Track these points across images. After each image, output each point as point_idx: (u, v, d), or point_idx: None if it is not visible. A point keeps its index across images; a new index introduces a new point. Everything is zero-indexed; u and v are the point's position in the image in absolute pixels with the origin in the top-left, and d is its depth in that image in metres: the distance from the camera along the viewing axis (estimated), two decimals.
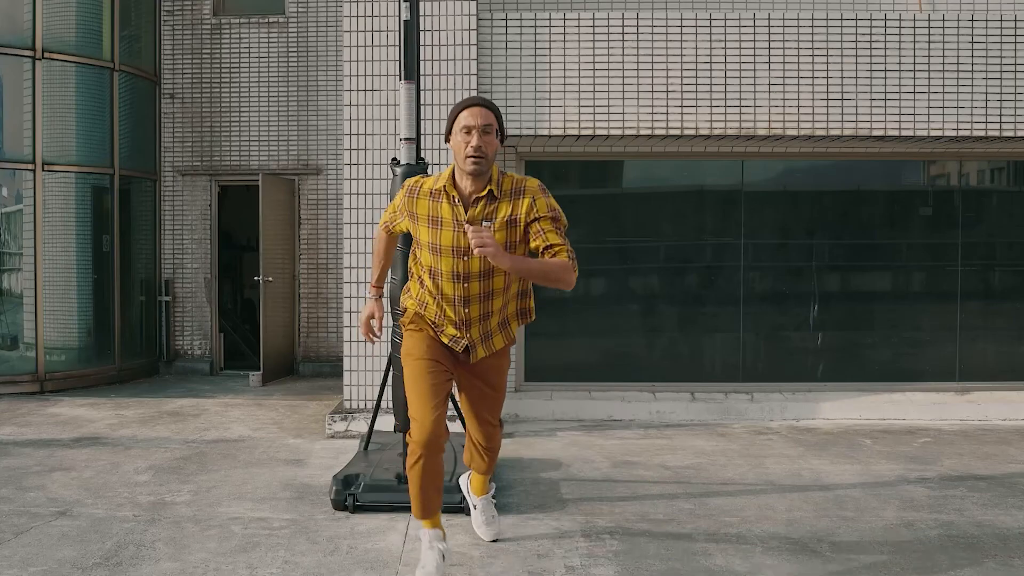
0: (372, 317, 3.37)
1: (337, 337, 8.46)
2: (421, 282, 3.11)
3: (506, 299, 3.10)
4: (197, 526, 3.83)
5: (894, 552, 3.52)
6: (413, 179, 3.12)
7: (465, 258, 2.95)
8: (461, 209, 2.95)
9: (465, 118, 2.90)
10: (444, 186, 2.96)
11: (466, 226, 2.85)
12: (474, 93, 5.84)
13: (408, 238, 3.32)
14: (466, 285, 3.01)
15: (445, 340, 3.12)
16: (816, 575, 3.29)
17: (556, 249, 2.91)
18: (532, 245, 2.95)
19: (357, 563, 3.39)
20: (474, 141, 2.86)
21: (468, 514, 3.81)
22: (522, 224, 2.94)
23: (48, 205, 7.44)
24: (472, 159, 2.87)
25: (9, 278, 7.46)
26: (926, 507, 4.13)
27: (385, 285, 3.56)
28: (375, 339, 3.35)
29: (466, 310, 3.05)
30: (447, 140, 3.00)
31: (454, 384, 3.25)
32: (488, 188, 2.94)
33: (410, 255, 3.20)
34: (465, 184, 2.96)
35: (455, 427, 5.36)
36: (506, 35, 5.98)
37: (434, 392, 3.01)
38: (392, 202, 3.22)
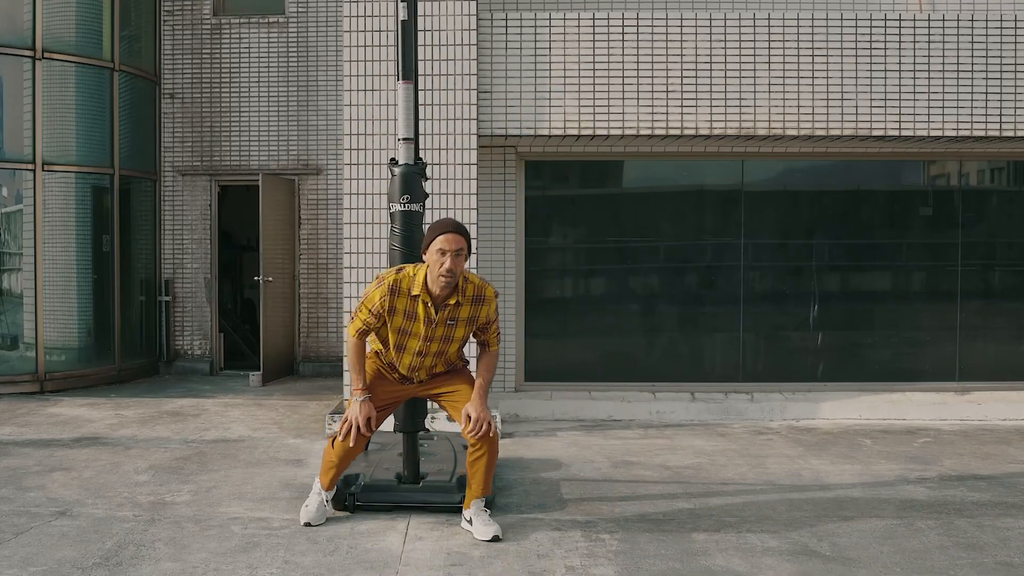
0: (369, 419, 3.73)
1: (337, 337, 8.46)
2: (380, 352, 3.83)
3: (447, 361, 3.85)
4: (197, 526, 3.83)
5: (894, 552, 3.52)
6: (390, 275, 3.65)
7: (428, 342, 3.68)
8: (432, 310, 3.63)
9: (440, 242, 3.51)
10: (420, 294, 3.60)
11: (469, 435, 3.65)
12: (474, 93, 5.84)
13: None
14: (423, 357, 3.75)
15: (396, 377, 3.85)
16: (816, 575, 3.29)
17: (490, 339, 3.81)
18: (479, 337, 3.79)
19: (357, 563, 3.39)
20: (447, 264, 3.50)
21: (463, 516, 3.82)
22: (480, 322, 3.73)
23: (48, 205, 7.44)
24: (444, 278, 3.53)
25: (9, 278, 7.46)
26: (926, 507, 4.13)
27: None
28: (369, 436, 3.80)
29: (419, 371, 3.81)
30: (423, 253, 3.62)
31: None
32: (456, 298, 3.62)
33: (371, 335, 3.78)
34: (435, 290, 3.61)
35: (456, 427, 5.37)
36: (506, 35, 5.98)
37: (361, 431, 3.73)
38: (364, 302, 3.68)
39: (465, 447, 4.60)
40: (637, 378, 6.71)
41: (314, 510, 3.86)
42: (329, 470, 3.85)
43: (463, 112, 5.85)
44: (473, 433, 3.61)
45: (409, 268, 3.68)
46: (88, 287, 7.70)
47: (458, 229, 3.55)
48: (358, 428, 3.70)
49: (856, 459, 5.10)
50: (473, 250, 3.83)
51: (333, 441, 3.79)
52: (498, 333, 3.83)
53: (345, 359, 3.81)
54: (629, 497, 4.29)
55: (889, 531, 3.78)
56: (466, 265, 3.67)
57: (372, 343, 3.85)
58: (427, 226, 3.78)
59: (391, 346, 3.72)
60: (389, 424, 5.25)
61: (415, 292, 3.59)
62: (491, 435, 3.67)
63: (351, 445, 3.72)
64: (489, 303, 3.71)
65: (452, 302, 3.62)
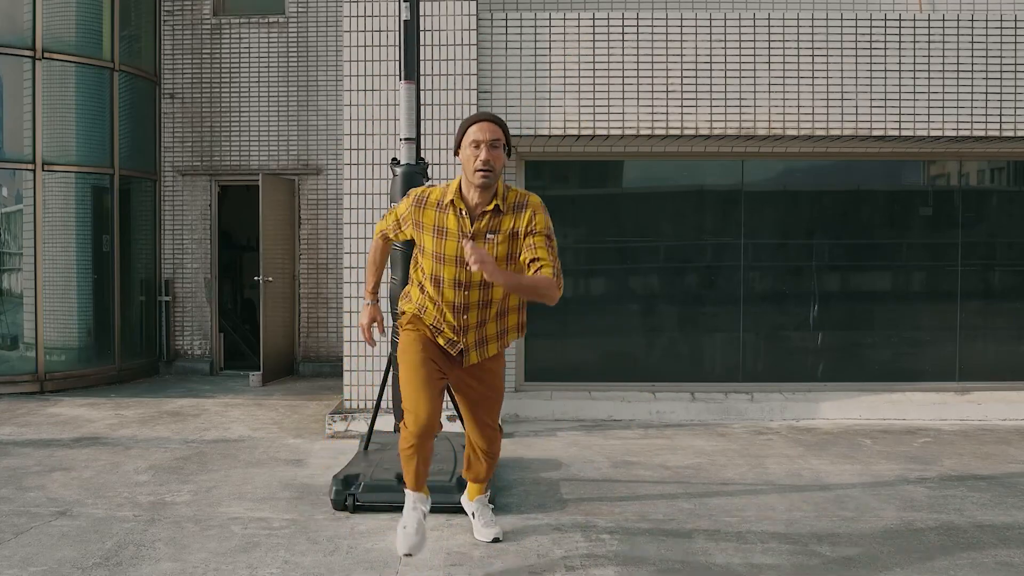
0: (373, 321, 3.48)
1: (337, 337, 8.46)
2: (422, 288, 3.23)
3: (503, 308, 3.23)
4: (197, 526, 3.83)
5: (894, 552, 3.52)
6: (419, 188, 3.22)
7: (468, 268, 3.00)
8: (467, 221, 3.08)
9: (474, 133, 3.03)
10: (452, 199, 3.09)
11: (464, 242, 2.95)
12: (474, 93, 5.84)
13: (410, 240, 3.37)
14: (466, 293, 3.14)
15: (441, 342, 3.25)
16: (816, 575, 3.29)
17: (541, 263, 3.05)
18: (522, 257, 3.09)
19: (357, 563, 3.39)
20: (483, 155, 3.00)
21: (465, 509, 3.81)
22: (522, 235, 3.09)
23: (48, 205, 7.44)
24: (481, 172, 3.01)
25: (9, 278, 7.46)
26: (926, 507, 4.13)
27: (384, 286, 3.60)
28: (375, 343, 3.50)
29: (464, 316, 3.18)
30: (456, 153, 3.11)
31: (449, 385, 3.42)
32: (495, 202, 3.07)
33: (411, 261, 3.30)
34: (472, 196, 3.09)
35: (457, 427, 5.36)
36: (506, 35, 5.98)
37: (428, 385, 3.13)
38: (394, 209, 3.30)
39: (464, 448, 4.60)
40: (637, 378, 6.71)
41: (413, 532, 3.20)
42: (409, 462, 3.21)
43: (463, 112, 5.84)
44: (470, 253, 2.85)
45: (440, 185, 3.23)
46: (88, 287, 7.70)
47: (493, 118, 3.08)
48: (367, 337, 3.39)
49: (856, 459, 5.10)
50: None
51: (404, 423, 3.22)
52: (559, 271, 3.09)
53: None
54: (629, 497, 4.29)
55: (889, 531, 3.78)
56: None
57: (413, 290, 3.30)
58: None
59: (429, 278, 3.16)
60: (389, 424, 5.26)
61: (447, 200, 3.09)
62: (498, 445, 3.52)
63: (372, 345, 3.44)
64: (535, 207, 3.11)
65: (491, 207, 3.07)
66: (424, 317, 3.23)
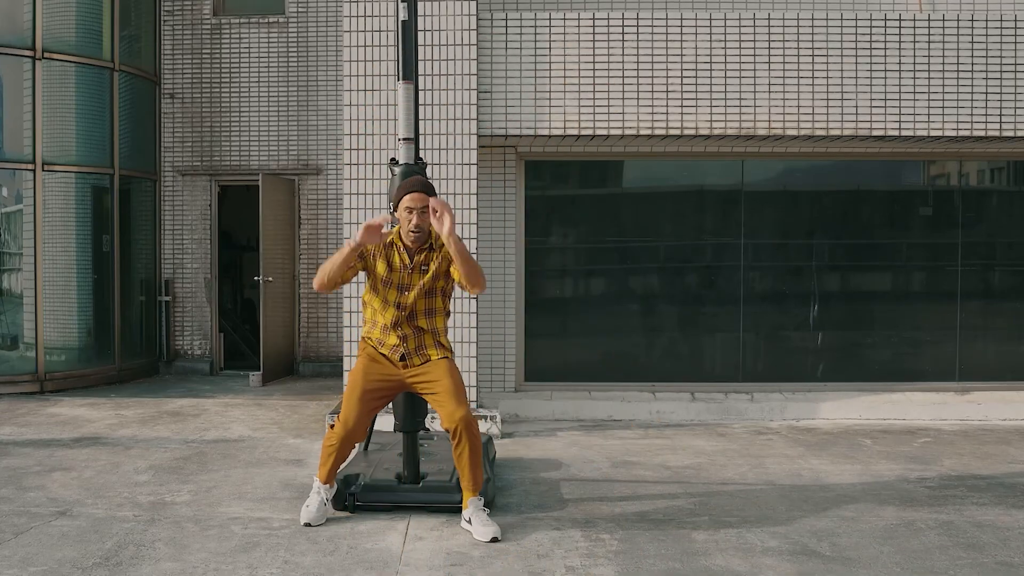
0: (369, 227, 3.76)
1: (337, 337, 8.46)
2: (373, 310, 3.95)
3: (432, 324, 3.92)
4: (197, 526, 3.83)
5: (894, 552, 3.52)
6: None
7: (406, 291, 3.85)
8: (406, 256, 3.87)
9: (407, 201, 3.77)
10: (393, 240, 3.86)
11: (433, 201, 3.71)
12: (474, 93, 5.84)
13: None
14: (404, 308, 3.87)
15: (387, 351, 3.88)
16: (816, 575, 3.29)
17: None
18: (453, 275, 3.87)
19: (357, 563, 3.39)
20: (415, 220, 3.77)
21: (462, 516, 3.82)
22: (449, 270, 3.87)
23: (48, 205, 7.44)
24: (413, 233, 3.79)
25: (9, 278, 7.46)
26: (926, 507, 4.13)
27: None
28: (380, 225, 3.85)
29: (401, 331, 3.87)
30: (394, 210, 3.86)
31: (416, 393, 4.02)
32: (428, 242, 3.86)
33: (362, 297, 4.00)
34: (408, 242, 3.87)
35: None
36: (506, 35, 5.98)
37: (362, 403, 3.84)
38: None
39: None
40: (637, 378, 6.71)
41: (314, 510, 3.86)
42: (328, 459, 3.87)
43: (463, 112, 5.85)
44: (437, 216, 3.66)
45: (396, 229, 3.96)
46: (88, 287, 7.70)
47: (424, 187, 3.78)
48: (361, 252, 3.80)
49: (856, 459, 5.10)
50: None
51: (333, 425, 3.88)
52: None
53: (331, 265, 3.79)
54: (629, 497, 4.29)
55: (889, 531, 3.78)
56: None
57: (366, 314, 3.98)
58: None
59: (378, 298, 3.88)
60: (389, 424, 5.25)
61: (393, 241, 3.86)
62: (469, 426, 3.72)
63: (346, 263, 3.75)
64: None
65: (423, 255, 3.85)
66: (373, 333, 3.93)
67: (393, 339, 3.87)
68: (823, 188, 6.86)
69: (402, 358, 3.87)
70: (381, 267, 3.85)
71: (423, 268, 3.85)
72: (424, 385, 3.87)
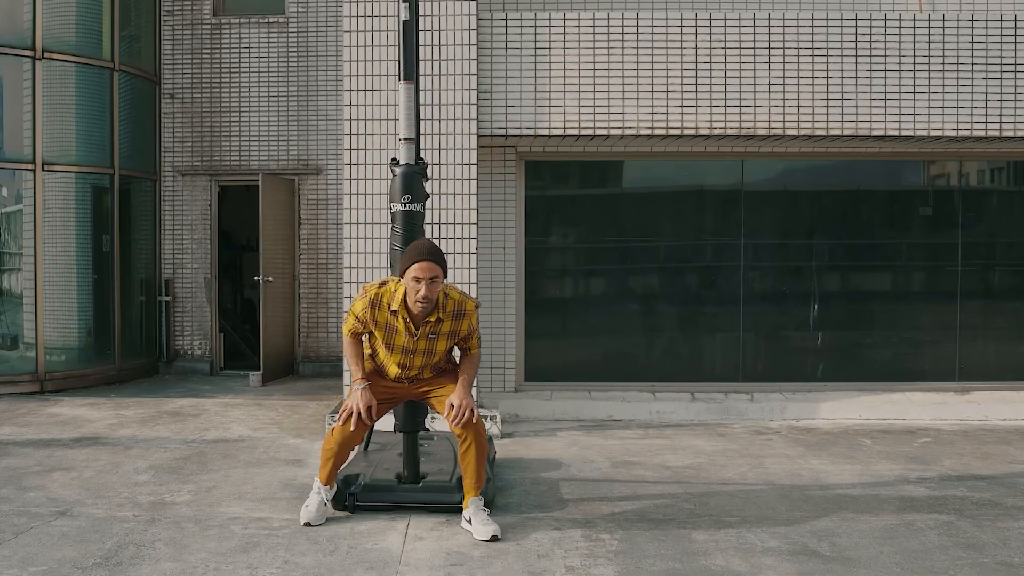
0: (370, 408, 3.79)
1: (337, 337, 8.46)
2: (373, 354, 3.94)
3: (437, 367, 3.94)
4: (197, 526, 3.83)
5: (894, 552, 3.52)
6: (372, 287, 3.78)
7: (411, 355, 3.81)
8: (411, 325, 3.76)
9: (415, 271, 3.61)
10: (399, 310, 3.72)
11: (452, 423, 3.72)
12: (474, 93, 5.84)
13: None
14: (409, 368, 3.88)
15: (391, 377, 3.91)
16: (816, 575, 3.29)
17: (471, 345, 3.91)
18: (460, 345, 3.89)
19: (357, 563, 3.39)
20: (423, 291, 3.61)
21: (462, 516, 3.82)
22: (461, 335, 3.83)
23: (48, 205, 7.44)
24: (420, 304, 3.65)
25: (9, 278, 7.46)
26: (926, 507, 4.13)
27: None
28: (368, 425, 3.87)
29: (407, 380, 3.92)
30: (401, 276, 3.71)
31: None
32: (436, 315, 3.73)
33: (365, 338, 3.94)
34: (414, 310, 3.72)
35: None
36: (506, 35, 5.98)
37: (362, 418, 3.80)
38: (353, 309, 3.83)
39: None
40: (637, 378, 6.71)
41: (314, 510, 3.86)
42: (327, 461, 3.87)
43: (463, 112, 5.85)
44: (456, 420, 3.67)
45: (392, 283, 3.79)
46: (88, 287, 7.70)
47: (433, 256, 3.64)
48: (359, 416, 3.75)
49: (856, 459, 5.10)
50: (448, 270, 3.88)
51: (333, 429, 3.84)
52: (479, 339, 3.95)
53: (345, 358, 3.82)
54: (629, 497, 4.29)
55: (889, 531, 3.78)
56: (457, 278, 3.84)
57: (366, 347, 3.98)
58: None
59: (379, 355, 3.88)
60: (389, 424, 5.25)
61: (394, 308, 3.72)
62: (474, 421, 3.73)
63: (351, 430, 3.76)
64: (470, 316, 3.81)
65: (432, 319, 3.74)
66: (378, 360, 3.93)
67: (395, 371, 3.90)
68: (823, 188, 6.86)
69: (411, 380, 3.93)
70: (381, 332, 3.80)
71: (431, 336, 3.78)
72: (428, 389, 3.93)
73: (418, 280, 3.61)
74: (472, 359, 3.89)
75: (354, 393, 3.79)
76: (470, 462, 3.76)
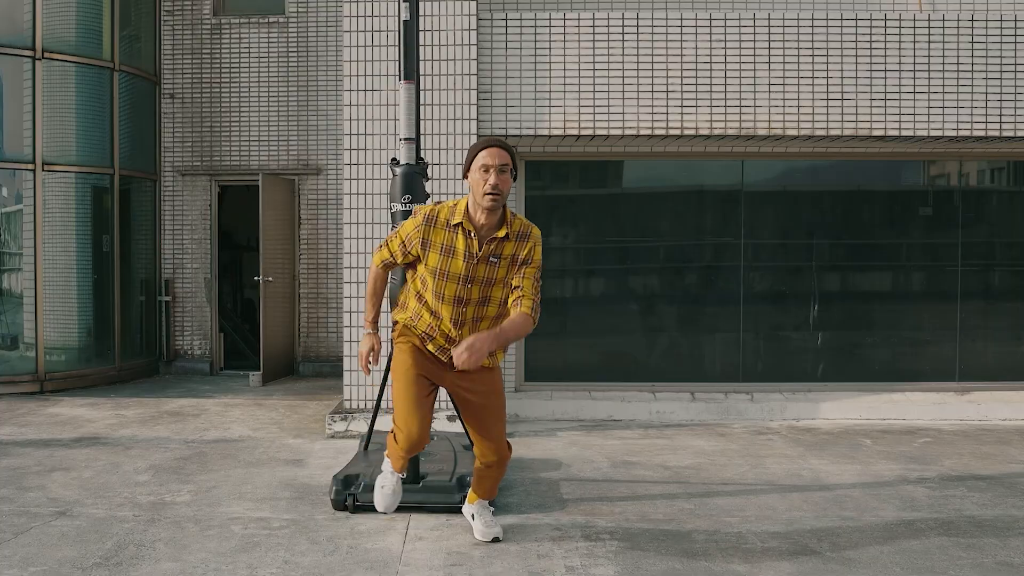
0: (372, 351, 3.48)
1: (337, 337, 8.46)
2: (419, 297, 3.35)
3: (493, 325, 3.34)
4: (197, 526, 3.83)
5: (894, 552, 3.52)
6: (427, 207, 3.30)
7: (468, 285, 3.24)
8: (475, 243, 3.22)
9: (483, 158, 3.14)
10: (461, 221, 3.21)
11: (455, 354, 3.07)
12: (474, 93, 5.84)
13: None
14: (464, 309, 3.29)
15: (432, 348, 3.35)
16: (816, 575, 3.29)
17: (522, 295, 3.23)
18: (509, 278, 3.28)
19: (357, 563, 3.39)
20: (492, 179, 3.12)
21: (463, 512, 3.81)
22: (520, 263, 3.26)
23: (48, 205, 7.44)
24: (490, 195, 3.12)
25: (9, 278, 7.46)
26: (926, 507, 4.13)
27: (382, 315, 3.62)
28: (370, 372, 3.55)
29: (459, 331, 3.31)
30: (465, 176, 3.23)
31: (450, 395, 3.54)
32: (504, 230, 3.22)
33: (410, 271, 3.38)
34: (479, 217, 3.21)
35: (457, 427, 5.37)
36: (506, 35, 5.98)
37: (419, 405, 3.31)
38: (396, 233, 3.33)
39: (465, 447, 4.61)
40: (637, 378, 6.71)
41: (390, 493, 3.51)
42: (397, 461, 3.51)
43: (463, 112, 5.85)
44: (457, 359, 3.05)
45: (449, 201, 3.32)
46: (88, 287, 7.70)
47: (503, 144, 3.17)
48: (366, 364, 3.45)
49: (856, 459, 5.10)
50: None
51: (395, 436, 3.42)
52: (535, 299, 3.25)
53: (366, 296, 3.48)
54: (629, 497, 4.29)
55: (889, 531, 3.78)
56: None
57: (410, 300, 3.38)
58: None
59: (430, 291, 3.28)
60: (389, 424, 5.25)
61: (456, 220, 3.20)
62: (507, 458, 3.58)
63: (367, 374, 3.47)
64: (536, 241, 3.27)
65: (500, 235, 3.21)
66: (418, 325, 3.35)
67: (440, 339, 3.32)
68: (823, 188, 6.86)
69: (450, 359, 3.29)
70: (434, 257, 3.23)
71: (492, 260, 3.23)
72: (470, 395, 3.40)
73: (487, 169, 3.12)
74: (517, 319, 3.16)
75: (363, 340, 3.47)
76: (490, 482, 3.63)
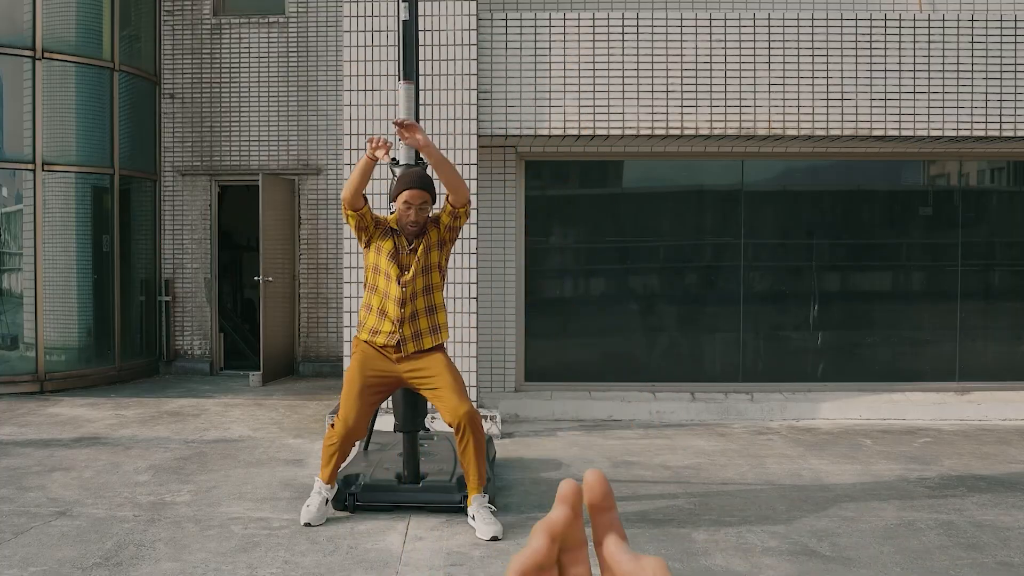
0: (377, 144, 3.76)
1: (337, 337, 8.46)
2: (373, 288, 3.95)
3: (430, 304, 3.94)
4: (197, 526, 3.83)
5: (894, 552, 3.52)
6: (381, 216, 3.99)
7: (406, 271, 3.89)
8: (404, 240, 3.93)
9: (406, 197, 3.80)
10: (392, 227, 3.92)
11: (402, 129, 3.76)
12: (474, 93, 5.84)
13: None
14: (406, 285, 3.87)
15: (382, 341, 3.87)
16: (816, 575, 3.29)
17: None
18: (443, 221, 3.93)
19: (357, 563, 3.39)
20: (412, 216, 3.83)
21: (467, 514, 3.82)
22: (441, 232, 3.93)
23: (48, 205, 7.44)
24: (410, 227, 3.85)
25: (9, 278, 7.46)
26: (926, 507, 4.13)
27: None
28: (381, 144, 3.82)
29: (401, 310, 3.86)
30: (392, 200, 3.88)
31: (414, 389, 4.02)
32: (425, 232, 3.91)
33: (366, 278, 3.98)
34: (406, 234, 3.92)
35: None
36: (506, 35, 5.98)
37: (361, 399, 3.86)
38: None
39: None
40: (637, 378, 6.71)
41: (315, 510, 3.86)
42: (330, 458, 3.86)
43: (463, 112, 5.84)
44: (400, 121, 3.75)
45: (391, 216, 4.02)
46: (88, 287, 7.70)
47: (422, 184, 3.81)
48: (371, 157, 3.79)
49: (856, 459, 5.10)
50: (436, 196, 3.96)
51: (334, 423, 3.87)
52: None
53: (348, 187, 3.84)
54: (629, 497, 4.29)
55: (889, 531, 3.78)
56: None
57: (362, 313, 3.96)
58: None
59: (380, 276, 3.90)
60: (389, 424, 5.25)
61: (391, 226, 3.93)
62: (473, 420, 3.74)
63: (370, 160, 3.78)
64: (433, 218, 3.96)
65: (421, 235, 3.93)
66: (368, 319, 3.92)
67: (388, 325, 3.86)
68: (823, 188, 6.86)
69: (397, 345, 3.85)
70: (384, 243, 3.90)
71: (426, 248, 3.91)
72: (422, 380, 3.85)
73: (408, 205, 3.81)
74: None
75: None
76: (470, 459, 3.77)
